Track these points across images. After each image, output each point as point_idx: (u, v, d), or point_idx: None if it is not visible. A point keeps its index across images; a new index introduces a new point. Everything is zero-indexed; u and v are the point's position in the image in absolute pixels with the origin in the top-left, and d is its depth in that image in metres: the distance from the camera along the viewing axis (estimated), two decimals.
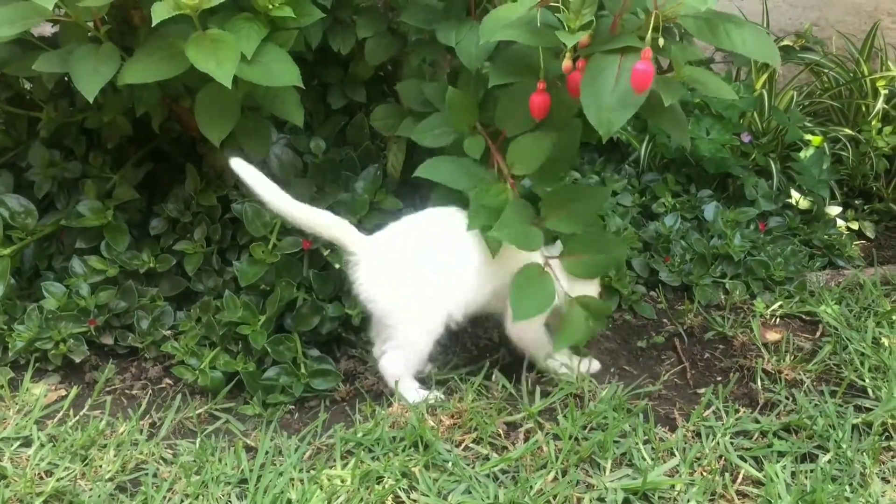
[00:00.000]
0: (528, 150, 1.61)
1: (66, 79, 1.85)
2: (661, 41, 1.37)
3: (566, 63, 1.45)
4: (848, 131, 2.56)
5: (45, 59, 1.60)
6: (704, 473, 1.48)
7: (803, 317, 1.99)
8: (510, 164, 1.63)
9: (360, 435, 1.56)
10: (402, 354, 1.64)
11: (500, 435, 1.57)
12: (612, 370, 1.80)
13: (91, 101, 1.51)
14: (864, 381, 1.73)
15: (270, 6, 1.55)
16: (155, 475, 1.49)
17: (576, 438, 1.54)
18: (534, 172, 1.63)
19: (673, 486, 1.44)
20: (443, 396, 1.65)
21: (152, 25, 1.42)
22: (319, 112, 2.02)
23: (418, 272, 1.61)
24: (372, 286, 1.61)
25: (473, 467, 1.49)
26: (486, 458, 1.52)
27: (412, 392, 1.65)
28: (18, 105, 1.99)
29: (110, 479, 1.47)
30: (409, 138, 1.91)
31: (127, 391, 1.74)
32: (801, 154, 2.43)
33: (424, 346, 1.63)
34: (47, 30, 1.85)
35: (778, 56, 1.46)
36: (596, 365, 1.76)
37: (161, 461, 1.53)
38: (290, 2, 1.57)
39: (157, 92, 1.71)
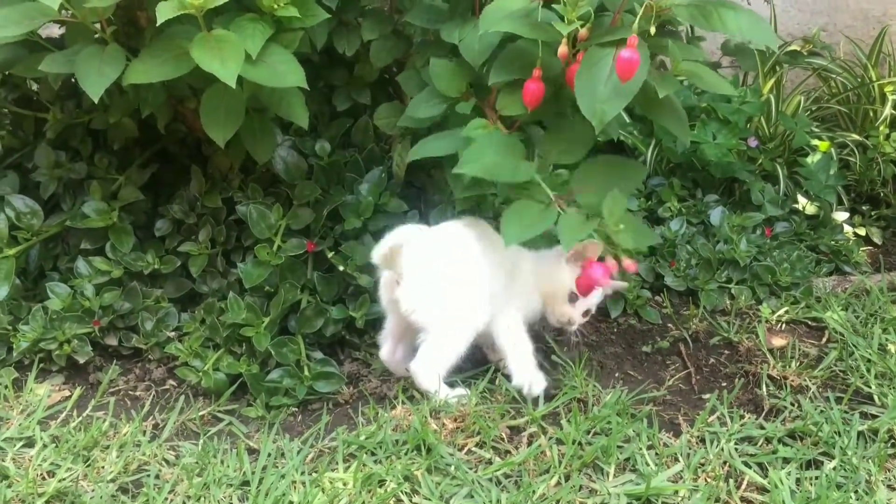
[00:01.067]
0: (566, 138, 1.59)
1: (72, 80, 1.85)
2: (652, 29, 1.37)
3: (562, 49, 1.44)
4: (855, 137, 2.56)
5: (51, 60, 1.61)
6: (708, 479, 1.47)
7: (809, 323, 1.98)
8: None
9: (362, 438, 1.55)
10: (436, 358, 1.63)
11: (503, 439, 1.56)
12: (616, 375, 1.79)
13: (96, 101, 1.51)
14: (870, 387, 1.72)
15: (276, 6, 1.55)
16: (157, 476, 1.48)
17: (579, 443, 1.53)
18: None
19: (677, 492, 1.43)
20: (466, 392, 1.66)
21: (157, 25, 1.42)
22: (324, 114, 2.01)
23: (457, 283, 1.63)
24: (413, 296, 1.62)
25: (476, 471, 1.48)
26: (489, 462, 1.51)
27: (451, 391, 1.65)
28: (25, 106, 2.00)
29: (112, 481, 1.47)
30: (412, 140, 1.91)
31: (130, 392, 1.74)
32: (809, 159, 2.42)
33: (459, 353, 1.65)
34: (55, 31, 1.86)
35: (775, 39, 1.45)
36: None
37: (163, 463, 1.52)
38: (296, 2, 1.56)
39: (163, 93, 1.72)
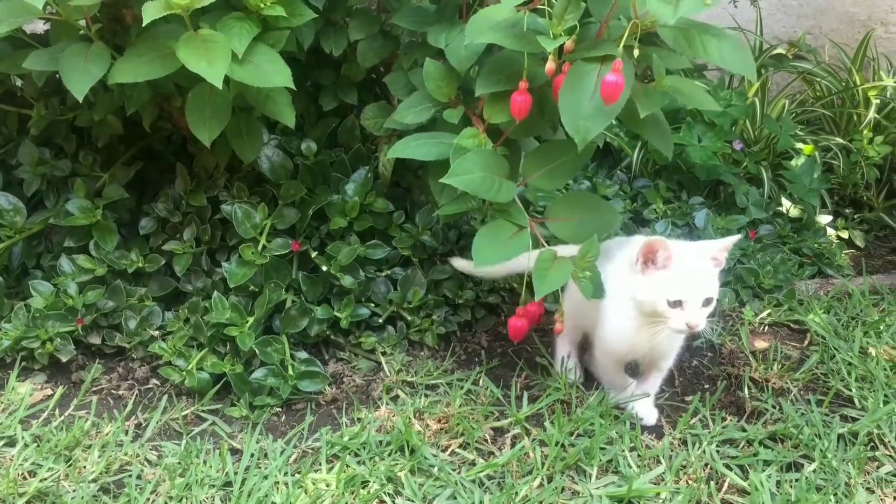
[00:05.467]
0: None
1: (56, 77, 1.83)
2: (636, 51, 1.37)
3: (549, 65, 1.45)
4: (839, 140, 2.57)
5: (35, 58, 1.60)
6: (690, 481, 1.48)
7: (791, 325, 2.00)
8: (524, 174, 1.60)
9: (346, 439, 1.56)
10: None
11: (486, 440, 1.57)
12: None
13: (81, 100, 1.50)
14: (850, 390, 1.73)
15: (262, 5, 1.54)
16: (139, 477, 1.48)
17: (562, 445, 1.54)
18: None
19: (658, 494, 1.44)
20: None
21: (143, 25, 1.41)
22: (311, 113, 2.01)
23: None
24: None
25: (459, 472, 1.49)
26: (473, 464, 1.51)
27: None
28: (8, 102, 1.98)
29: (94, 481, 1.46)
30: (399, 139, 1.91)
31: (113, 391, 1.73)
32: (793, 162, 2.44)
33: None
34: (40, 27, 1.84)
35: (754, 70, 1.46)
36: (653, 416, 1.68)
37: (146, 463, 1.52)
38: (282, 1, 1.56)
39: (148, 91, 1.71)
